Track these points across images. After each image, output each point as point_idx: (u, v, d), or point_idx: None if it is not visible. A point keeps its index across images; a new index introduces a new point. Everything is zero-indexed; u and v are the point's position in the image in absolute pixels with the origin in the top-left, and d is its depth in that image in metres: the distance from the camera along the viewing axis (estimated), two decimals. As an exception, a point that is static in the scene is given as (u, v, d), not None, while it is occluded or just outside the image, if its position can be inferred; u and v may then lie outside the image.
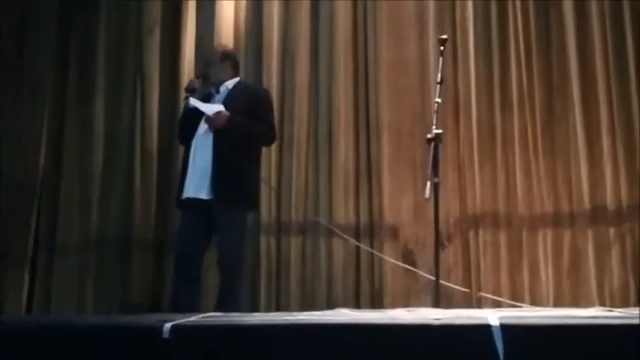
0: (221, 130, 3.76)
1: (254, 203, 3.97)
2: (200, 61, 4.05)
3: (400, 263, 4.40)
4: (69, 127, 4.87)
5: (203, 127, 3.83)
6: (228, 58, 4.04)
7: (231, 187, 3.74)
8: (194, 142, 3.83)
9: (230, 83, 3.98)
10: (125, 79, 4.89)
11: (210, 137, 3.79)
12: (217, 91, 3.96)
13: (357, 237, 4.54)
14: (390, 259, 4.42)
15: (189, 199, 3.78)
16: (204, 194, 3.74)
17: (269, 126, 3.96)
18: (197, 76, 3.97)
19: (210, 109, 3.79)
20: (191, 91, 3.88)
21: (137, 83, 4.85)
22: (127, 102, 4.85)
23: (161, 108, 4.81)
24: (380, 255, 4.44)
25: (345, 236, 4.48)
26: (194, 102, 3.80)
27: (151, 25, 4.89)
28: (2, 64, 4.94)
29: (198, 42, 4.85)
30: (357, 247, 4.51)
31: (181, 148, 4.05)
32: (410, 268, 4.37)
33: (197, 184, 3.76)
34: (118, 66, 4.92)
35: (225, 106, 3.81)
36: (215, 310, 3.59)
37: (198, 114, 3.81)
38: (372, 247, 4.52)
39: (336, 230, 4.49)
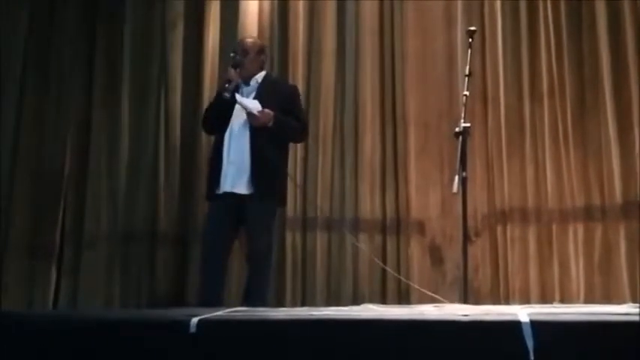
0: (259, 126, 3.78)
1: (285, 199, 4.02)
2: (236, 50, 4.00)
3: (423, 288, 4.28)
4: (95, 123, 4.90)
5: (239, 121, 3.83)
6: (264, 52, 4.10)
7: (268, 182, 3.78)
8: (228, 136, 3.83)
9: (259, 77, 3.98)
10: (149, 75, 4.91)
11: (247, 132, 3.80)
12: (247, 84, 3.95)
13: (384, 232, 4.52)
14: (393, 271, 4.35)
15: (225, 193, 3.78)
16: (241, 189, 3.76)
17: (304, 124, 4.03)
18: (233, 65, 3.95)
19: (254, 105, 3.80)
20: (229, 81, 3.85)
21: (161, 79, 4.87)
22: (152, 98, 4.87)
23: (184, 104, 4.82)
24: (400, 277, 4.35)
25: (370, 252, 4.41)
26: (239, 97, 3.81)
27: (174, 20, 4.90)
28: (29, 62, 4.99)
29: (221, 39, 4.84)
30: (384, 243, 4.49)
31: (204, 143, 4.06)
32: (430, 293, 4.22)
33: (234, 179, 3.77)
34: (143, 62, 4.93)
35: (258, 101, 3.84)
36: (242, 304, 3.59)
37: (233, 107, 3.81)
38: (398, 242, 4.49)
39: (360, 244, 4.44)
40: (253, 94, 3.89)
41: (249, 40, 4.14)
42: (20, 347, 2.25)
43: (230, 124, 3.83)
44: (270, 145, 3.79)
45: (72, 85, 4.95)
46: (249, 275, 3.81)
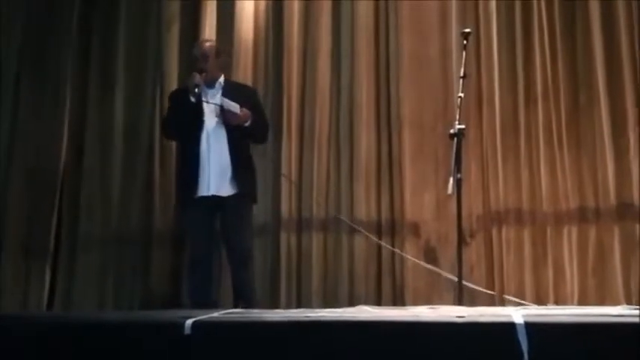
0: (233, 126, 3.86)
1: (256, 197, 4.12)
2: (196, 55, 4.04)
3: (423, 263, 4.37)
4: (90, 123, 4.89)
5: (211, 123, 3.87)
6: (221, 54, 4.16)
7: (248, 181, 3.92)
8: (205, 139, 3.88)
9: (222, 80, 4.06)
10: (145, 76, 4.90)
11: (223, 133, 3.87)
12: (211, 87, 3.99)
13: (379, 233, 4.52)
14: (412, 257, 4.39)
15: (204, 196, 3.80)
16: (224, 190, 3.81)
17: (267, 125, 4.19)
18: (198, 70, 3.96)
19: (234, 104, 3.86)
20: (197, 85, 3.88)
21: (156, 80, 4.86)
22: (147, 98, 4.86)
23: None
24: (401, 253, 4.41)
25: (368, 234, 4.46)
26: (220, 97, 3.89)
27: (170, 20, 4.89)
28: (24, 60, 4.97)
29: (217, 39, 4.83)
30: (379, 244, 4.49)
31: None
32: (432, 268, 4.33)
33: (217, 180, 3.82)
34: (138, 62, 4.92)
35: None
36: (235, 306, 3.61)
37: (201, 110, 3.86)
38: (393, 243, 4.49)
39: (358, 227, 4.47)
40: (218, 96, 3.93)
41: (207, 43, 4.17)
42: (15, 349, 2.25)
43: (204, 127, 3.87)
44: (244, 144, 3.94)
45: (67, 86, 4.94)
46: (234, 274, 3.85)
